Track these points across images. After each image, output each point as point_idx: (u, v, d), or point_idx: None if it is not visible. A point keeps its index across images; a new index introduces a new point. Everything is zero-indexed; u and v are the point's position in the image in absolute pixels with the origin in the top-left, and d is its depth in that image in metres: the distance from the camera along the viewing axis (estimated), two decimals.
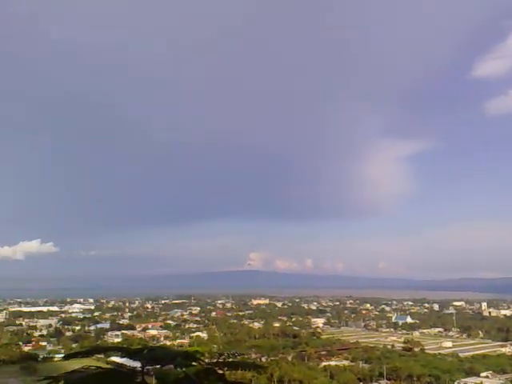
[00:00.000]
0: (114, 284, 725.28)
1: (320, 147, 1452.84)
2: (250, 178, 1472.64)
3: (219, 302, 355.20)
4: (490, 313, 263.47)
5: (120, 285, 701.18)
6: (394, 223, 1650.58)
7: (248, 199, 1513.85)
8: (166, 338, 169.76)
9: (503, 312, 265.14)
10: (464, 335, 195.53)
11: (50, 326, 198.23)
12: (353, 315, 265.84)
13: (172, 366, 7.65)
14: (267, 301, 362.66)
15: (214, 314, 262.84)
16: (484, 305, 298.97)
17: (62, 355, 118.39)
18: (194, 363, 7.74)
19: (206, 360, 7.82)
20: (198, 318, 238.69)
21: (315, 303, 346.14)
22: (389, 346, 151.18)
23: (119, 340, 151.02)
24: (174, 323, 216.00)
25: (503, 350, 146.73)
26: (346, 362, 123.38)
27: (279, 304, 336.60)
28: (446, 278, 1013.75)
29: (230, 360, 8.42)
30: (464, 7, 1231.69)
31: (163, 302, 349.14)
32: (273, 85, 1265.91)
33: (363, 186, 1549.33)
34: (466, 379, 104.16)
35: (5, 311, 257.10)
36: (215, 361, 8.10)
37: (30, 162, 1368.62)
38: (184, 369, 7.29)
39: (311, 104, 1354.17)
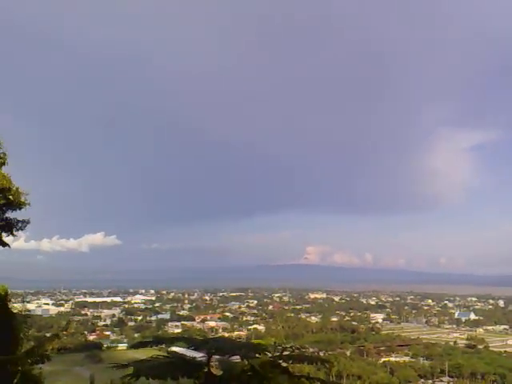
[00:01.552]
0: (174, 276, 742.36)
1: (385, 140, 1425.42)
2: (311, 171, 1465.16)
3: (276, 295, 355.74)
4: None
5: (180, 277, 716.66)
6: (457, 216, 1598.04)
7: (307, 193, 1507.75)
8: (224, 329, 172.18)
9: None
10: None
11: (114, 316, 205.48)
12: (413, 311, 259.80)
13: (237, 357, 7.83)
14: (324, 295, 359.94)
15: (271, 307, 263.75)
16: None
17: (125, 344, 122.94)
18: (258, 355, 7.86)
19: (269, 353, 7.92)
20: (255, 311, 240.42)
21: (374, 298, 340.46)
22: (451, 343, 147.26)
23: (179, 330, 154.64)
24: (232, 315, 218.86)
25: None
26: (406, 358, 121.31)
27: (337, 298, 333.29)
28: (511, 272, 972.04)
29: (295, 353, 8.48)
30: None
31: (221, 294, 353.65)
32: (338, 77, 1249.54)
33: (426, 177, 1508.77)
34: None
35: (71, 301, 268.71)
36: (279, 354, 8.17)
37: (97, 160, 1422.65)
38: (249, 360, 7.43)
39: (377, 96, 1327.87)
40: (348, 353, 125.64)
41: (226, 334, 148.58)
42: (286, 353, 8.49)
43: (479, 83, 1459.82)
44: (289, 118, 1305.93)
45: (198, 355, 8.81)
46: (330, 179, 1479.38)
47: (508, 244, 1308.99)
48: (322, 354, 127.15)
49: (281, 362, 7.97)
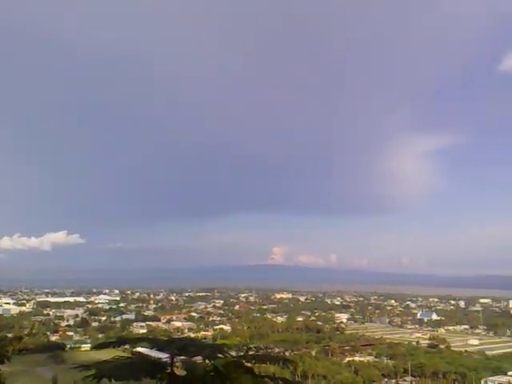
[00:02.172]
0: (139, 276, 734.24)
1: (346, 142, 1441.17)
2: (275, 171, 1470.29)
3: (242, 295, 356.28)
4: None
5: (145, 277, 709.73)
6: (419, 218, 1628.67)
7: (272, 193, 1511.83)
8: (190, 329, 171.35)
9: None
10: (491, 333, 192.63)
11: (77, 316, 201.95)
12: (377, 311, 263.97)
13: (200, 357, 7.76)
14: (290, 295, 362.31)
15: (237, 307, 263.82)
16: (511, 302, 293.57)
17: (89, 345, 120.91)
18: (221, 356, 7.82)
19: (234, 353, 7.89)
20: (221, 311, 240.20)
21: (339, 298, 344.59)
22: (414, 343, 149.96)
23: (144, 331, 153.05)
24: (198, 315, 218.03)
25: None
26: (370, 358, 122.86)
27: (302, 298, 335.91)
28: (472, 274, 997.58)
29: (259, 353, 8.47)
30: (492, 1, 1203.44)
31: (187, 294, 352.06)
32: (299, 79, 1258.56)
33: (389, 180, 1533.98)
34: (494, 377, 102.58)
35: (32, 301, 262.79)
36: (243, 354, 8.16)
37: (58, 157, 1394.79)
38: (213, 361, 7.37)
39: (337, 99, 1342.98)
40: (313, 352, 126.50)
41: (192, 335, 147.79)
42: (250, 353, 8.49)
43: (443, 88, 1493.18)
44: (259, 119, 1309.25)
45: (164, 356, 8.70)
46: (296, 180, 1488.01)
47: (468, 246, 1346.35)
48: (287, 353, 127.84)
49: (245, 362, 7.97)
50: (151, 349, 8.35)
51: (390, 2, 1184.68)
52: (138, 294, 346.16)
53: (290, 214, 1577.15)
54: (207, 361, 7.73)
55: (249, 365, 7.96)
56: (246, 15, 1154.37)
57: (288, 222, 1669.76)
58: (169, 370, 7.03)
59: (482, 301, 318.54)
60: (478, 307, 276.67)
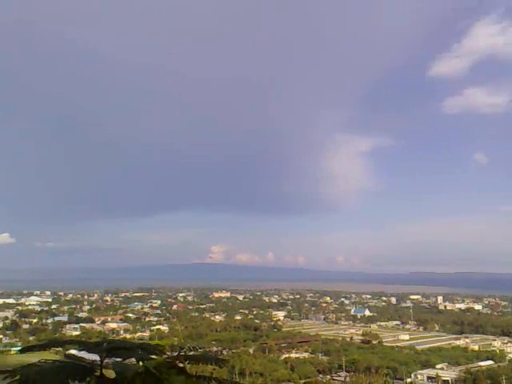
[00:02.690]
0: (72, 276, 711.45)
1: (284, 143, 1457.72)
2: (214, 171, 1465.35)
3: (180, 294, 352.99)
4: (445, 306, 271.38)
5: (78, 277, 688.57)
6: (353, 217, 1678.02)
7: (211, 192, 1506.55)
8: (126, 331, 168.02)
9: (458, 306, 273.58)
10: (420, 328, 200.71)
11: (6, 318, 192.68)
12: (313, 308, 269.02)
13: (132, 359, 7.53)
14: (228, 294, 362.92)
15: (175, 307, 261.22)
16: (440, 298, 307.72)
17: (19, 348, 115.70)
18: (154, 356, 7.62)
19: (167, 353, 7.70)
20: (158, 311, 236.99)
21: (276, 296, 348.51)
22: (348, 339, 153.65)
23: (78, 333, 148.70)
24: (135, 316, 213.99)
25: (458, 342, 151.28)
26: (306, 355, 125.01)
27: (240, 297, 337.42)
28: (403, 271, 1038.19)
29: (191, 353, 8.32)
30: (423, 7, 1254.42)
31: (123, 294, 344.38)
32: (238, 79, 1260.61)
33: (325, 180, 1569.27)
34: (423, 371, 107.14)
35: None
36: (176, 354, 7.99)
37: None
38: (144, 362, 7.16)
39: (275, 100, 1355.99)
40: (251, 350, 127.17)
41: (128, 336, 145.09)
42: (183, 353, 8.34)
43: (378, 91, 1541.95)
44: (194, 117, 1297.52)
45: (96, 358, 8.35)
46: (235, 180, 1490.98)
47: (398, 244, 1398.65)
48: (225, 352, 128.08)
49: (178, 362, 7.81)
50: (80, 351, 8.00)
51: (328, 5, 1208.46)
52: (71, 295, 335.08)
53: (228, 213, 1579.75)
54: (139, 362, 7.50)
55: (182, 365, 7.84)
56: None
57: (227, 220, 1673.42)
58: (98, 373, 6.74)
59: (412, 297, 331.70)
60: (408, 303, 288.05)
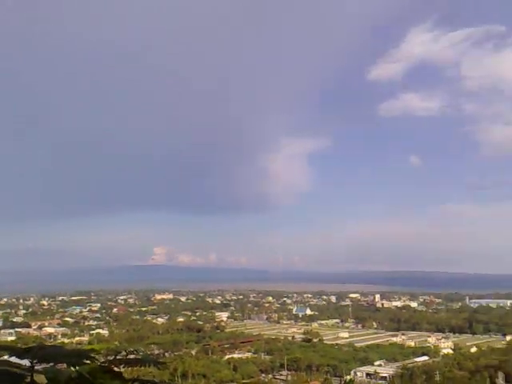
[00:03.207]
0: (5, 279, 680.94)
1: (227, 142, 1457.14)
2: (156, 170, 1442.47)
3: (121, 297, 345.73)
4: (382, 304, 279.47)
5: (13, 280, 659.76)
6: (295, 218, 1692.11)
7: (154, 192, 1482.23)
8: (64, 335, 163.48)
9: (395, 303, 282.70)
10: (359, 326, 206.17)
11: None
12: (256, 308, 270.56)
13: (65, 364, 7.23)
14: (171, 296, 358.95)
15: (115, 310, 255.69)
16: (377, 297, 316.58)
17: None
18: (88, 361, 7.36)
19: (103, 358, 7.47)
20: (98, 315, 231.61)
21: (219, 297, 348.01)
22: (289, 338, 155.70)
23: (13, 338, 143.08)
24: (73, 320, 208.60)
25: (395, 339, 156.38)
26: (248, 355, 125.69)
27: (183, 299, 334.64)
28: (342, 270, 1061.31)
29: (126, 357, 8.12)
30: (362, 11, 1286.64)
31: (60, 298, 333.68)
32: (187, 81, 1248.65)
33: (267, 180, 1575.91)
34: (362, 368, 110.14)
35: None
36: (111, 358, 7.76)
37: None
38: (77, 367, 6.89)
39: (218, 98, 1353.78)
40: (193, 352, 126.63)
41: (66, 341, 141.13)
42: (119, 357, 8.13)
43: (317, 92, 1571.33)
44: (140, 114, 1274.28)
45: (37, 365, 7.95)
46: (177, 179, 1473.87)
47: (338, 244, 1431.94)
48: (167, 355, 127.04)
49: (114, 366, 7.59)
50: (10, 357, 7.60)
51: (273, 8, 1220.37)
52: (5, 299, 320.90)
53: (171, 213, 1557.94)
54: (72, 367, 7.20)
55: (118, 369, 7.61)
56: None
57: (169, 221, 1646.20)
58: (28, 379, 6.44)
59: (351, 295, 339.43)
60: (347, 302, 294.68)
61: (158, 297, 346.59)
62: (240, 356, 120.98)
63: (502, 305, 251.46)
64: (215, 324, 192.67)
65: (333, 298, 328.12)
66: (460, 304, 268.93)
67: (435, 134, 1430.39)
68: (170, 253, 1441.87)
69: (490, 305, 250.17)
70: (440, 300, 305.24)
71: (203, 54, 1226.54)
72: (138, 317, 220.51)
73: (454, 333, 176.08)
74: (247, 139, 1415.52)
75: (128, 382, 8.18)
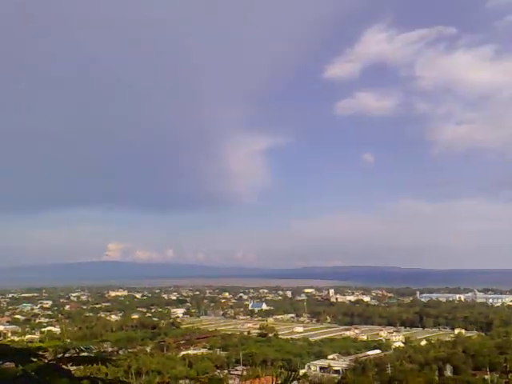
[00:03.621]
0: None
1: (183, 139, 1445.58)
2: (110, 166, 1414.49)
3: (74, 294, 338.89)
4: (336, 299, 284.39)
5: None
6: (251, 215, 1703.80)
7: (106, 188, 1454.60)
8: (15, 333, 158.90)
9: (348, 298, 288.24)
10: (314, 320, 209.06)
11: None
12: (212, 304, 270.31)
13: (13, 363, 7.12)
14: (126, 292, 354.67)
15: (67, 307, 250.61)
16: (332, 291, 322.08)
17: None
18: (35, 359, 7.27)
19: (52, 356, 7.37)
20: (50, 312, 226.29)
21: (175, 293, 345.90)
22: (245, 333, 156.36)
23: None
24: (24, 318, 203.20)
25: (348, 333, 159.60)
26: (204, 351, 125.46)
27: (138, 295, 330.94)
28: (298, 266, 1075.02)
29: (77, 355, 8.06)
30: (318, 10, 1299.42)
31: (10, 295, 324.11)
32: (132, 79, 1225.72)
33: (224, 177, 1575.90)
34: (315, 362, 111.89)
35: None
36: (60, 356, 7.68)
37: None
38: (23, 366, 6.80)
39: (169, 95, 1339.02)
40: (148, 349, 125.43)
41: (17, 338, 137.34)
42: (69, 354, 8.04)
43: (276, 90, 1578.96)
44: (88, 112, 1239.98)
45: None
46: (133, 176, 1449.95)
47: (294, 240, 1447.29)
48: (121, 352, 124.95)
49: (62, 364, 7.53)
50: None
51: (232, 4, 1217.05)
52: None
53: (127, 209, 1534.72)
54: (17, 366, 7.11)
55: (67, 367, 7.56)
56: None
57: (125, 217, 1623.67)
58: None
59: (306, 291, 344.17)
60: (303, 297, 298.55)
61: (112, 293, 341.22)
62: (195, 352, 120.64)
63: (451, 299, 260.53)
64: (171, 320, 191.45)
65: (288, 294, 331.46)
66: (411, 298, 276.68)
67: (389, 133, 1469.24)
68: (125, 249, 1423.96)
69: (440, 299, 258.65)
70: (392, 294, 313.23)
71: (156, 46, 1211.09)
72: (91, 314, 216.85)
73: (405, 326, 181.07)
74: (204, 135, 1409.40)
75: (76, 379, 8.13)
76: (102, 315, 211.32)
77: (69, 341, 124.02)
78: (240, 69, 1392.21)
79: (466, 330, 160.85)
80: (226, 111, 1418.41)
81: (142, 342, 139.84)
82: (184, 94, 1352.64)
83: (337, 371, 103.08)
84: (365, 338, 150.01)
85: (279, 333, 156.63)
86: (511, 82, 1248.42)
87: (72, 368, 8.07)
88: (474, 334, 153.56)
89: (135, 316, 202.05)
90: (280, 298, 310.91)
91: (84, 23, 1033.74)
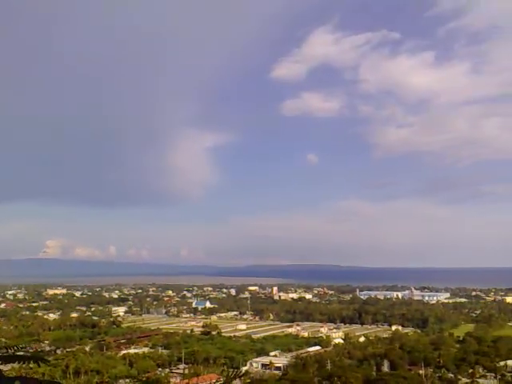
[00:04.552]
0: None
1: (128, 133, 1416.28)
2: (49, 159, 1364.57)
3: (9, 292, 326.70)
4: (279, 296, 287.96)
5: None
6: (198, 212, 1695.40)
7: (44, 182, 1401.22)
8: None
9: (291, 295, 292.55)
10: (257, 318, 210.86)
11: None
12: (155, 302, 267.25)
13: None
14: (65, 291, 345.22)
15: (3, 305, 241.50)
16: (275, 289, 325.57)
17: None
18: None
19: None
20: None
21: (117, 292, 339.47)
22: (188, 331, 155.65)
23: None
24: None
25: (290, 330, 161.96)
26: (145, 349, 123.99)
27: (78, 293, 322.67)
28: (244, 264, 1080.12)
29: (12, 353, 7.96)
30: (266, 10, 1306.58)
31: None
32: (79, 69, 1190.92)
33: (170, 173, 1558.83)
34: (257, 359, 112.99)
35: None
36: None
37: None
38: None
39: (115, 89, 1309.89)
40: (87, 348, 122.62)
41: None
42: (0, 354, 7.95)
43: (225, 88, 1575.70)
44: (26, 100, 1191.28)
45: None
46: (74, 170, 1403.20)
47: (240, 239, 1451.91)
48: (59, 351, 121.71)
49: None
50: None
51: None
52: None
53: (67, 204, 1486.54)
54: None
55: None
56: None
57: (65, 213, 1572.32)
58: None
59: (250, 288, 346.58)
60: (246, 294, 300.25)
61: (51, 292, 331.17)
62: (137, 351, 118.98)
63: (388, 297, 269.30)
64: (111, 319, 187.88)
65: (232, 291, 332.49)
66: (351, 296, 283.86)
67: (334, 134, 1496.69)
68: (65, 246, 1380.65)
69: (378, 296, 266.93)
70: (333, 292, 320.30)
71: (106, 41, 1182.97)
72: (27, 312, 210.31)
73: (345, 323, 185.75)
74: (152, 131, 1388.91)
75: (8, 379, 8.02)
76: (40, 314, 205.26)
77: (3, 340, 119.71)
78: (189, 67, 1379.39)
79: (402, 326, 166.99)
80: (175, 108, 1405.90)
81: (80, 341, 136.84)
82: (133, 90, 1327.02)
83: (278, 368, 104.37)
84: (306, 334, 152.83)
85: (222, 330, 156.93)
86: (449, 88, 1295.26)
87: (5, 368, 8.00)
88: (410, 330, 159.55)
89: (74, 315, 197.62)
90: (224, 295, 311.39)
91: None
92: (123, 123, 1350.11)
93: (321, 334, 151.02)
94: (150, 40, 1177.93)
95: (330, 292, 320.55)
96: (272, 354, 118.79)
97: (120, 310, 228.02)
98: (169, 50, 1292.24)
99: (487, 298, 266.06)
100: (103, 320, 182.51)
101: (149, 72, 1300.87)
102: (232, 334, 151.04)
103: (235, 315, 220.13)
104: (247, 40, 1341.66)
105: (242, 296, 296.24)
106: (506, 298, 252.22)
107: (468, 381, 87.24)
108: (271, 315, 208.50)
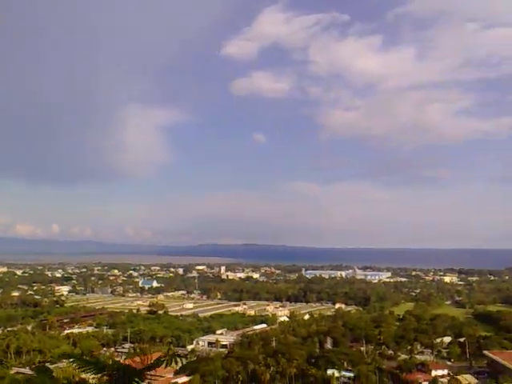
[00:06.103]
0: None
1: (76, 108, 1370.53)
2: None
3: None
4: (227, 276, 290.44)
5: None
6: (145, 190, 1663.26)
7: None
8: None
9: (239, 275, 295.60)
10: (204, 297, 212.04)
11: None
12: (100, 281, 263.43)
13: None
14: (5, 269, 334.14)
15: None
16: (223, 268, 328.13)
17: None
18: None
19: None
20: None
21: (60, 271, 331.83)
22: (134, 311, 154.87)
23: None
24: None
25: (237, 308, 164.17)
26: (90, 329, 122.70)
27: (19, 272, 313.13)
28: (192, 244, 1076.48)
29: None
30: None
31: None
32: (26, 43, 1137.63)
33: (117, 150, 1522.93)
34: (204, 337, 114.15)
35: None
36: None
37: None
38: None
39: (67, 65, 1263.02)
40: (29, 328, 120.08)
41: None
42: None
43: (175, 64, 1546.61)
44: None
45: None
46: (15, 145, 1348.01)
47: (189, 218, 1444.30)
48: (0, 330, 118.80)
49: None
50: None
51: None
52: None
53: (6, 180, 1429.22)
54: None
55: None
56: None
57: (4, 189, 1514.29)
58: None
59: (198, 268, 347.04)
60: (194, 274, 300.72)
61: None
62: (80, 331, 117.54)
63: (333, 276, 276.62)
64: (54, 298, 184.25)
65: (180, 271, 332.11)
66: (297, 275, 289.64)
67: (282, 114, 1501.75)
68: (4, 223, 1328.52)
69: (323, 275, 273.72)
70: (279, 271, 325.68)
71: (54, 13, 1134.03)
72: None
73: (291, 301, 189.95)
74: (101, 107, 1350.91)
75: None
76: None
77: None
78: (138, 43, 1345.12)
79: (345, 304, 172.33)
80: (124, 84, 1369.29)
81: (22, 320, 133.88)
82: (81, 67, 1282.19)
83: (224, 346, 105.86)
84: (252, 313, 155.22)
85: (169, 310, 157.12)
86: (396, 72, 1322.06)
87: None
88: (353, 308, 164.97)
89: (15, 293, 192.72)
90: (171, 275, 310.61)
91: None
92: (74, 101, 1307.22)
93: (267, 313, 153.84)
94: (97, 12, 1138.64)
95: (277, 271, 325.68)
96: (218, 332, 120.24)
97: (63, 289, 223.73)
98: (117, 25, 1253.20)
99: (426, 277, 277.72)
100: (46, 299, 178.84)
101: (98, 50, 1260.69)
102: (179, 313, 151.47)
103: (182, 294, 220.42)
104: (198, 16, 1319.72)
105: (189, 275, 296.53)
106: (444, 277, 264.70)
107: (406, 357, 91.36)
108: (218, 294, 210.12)
